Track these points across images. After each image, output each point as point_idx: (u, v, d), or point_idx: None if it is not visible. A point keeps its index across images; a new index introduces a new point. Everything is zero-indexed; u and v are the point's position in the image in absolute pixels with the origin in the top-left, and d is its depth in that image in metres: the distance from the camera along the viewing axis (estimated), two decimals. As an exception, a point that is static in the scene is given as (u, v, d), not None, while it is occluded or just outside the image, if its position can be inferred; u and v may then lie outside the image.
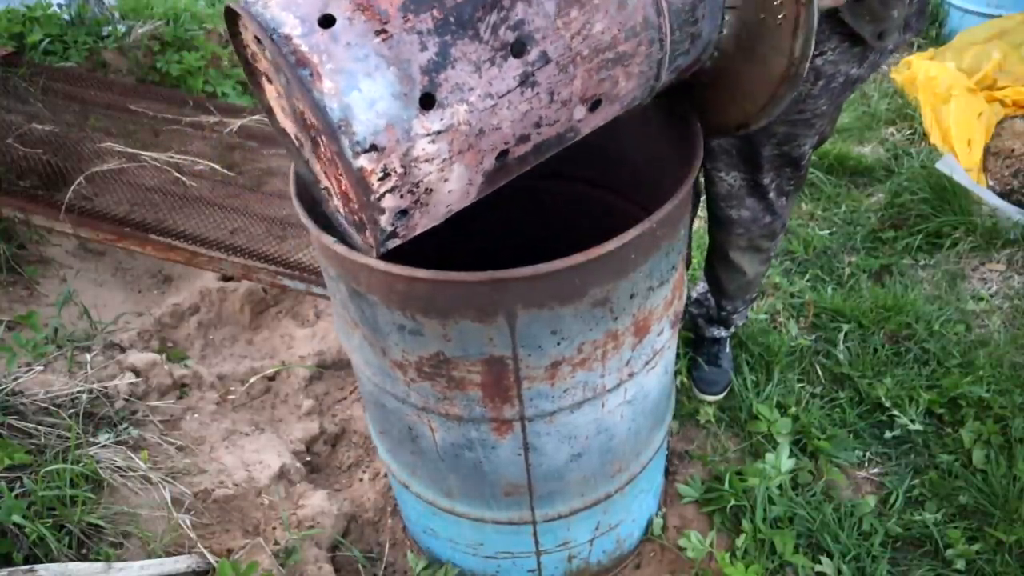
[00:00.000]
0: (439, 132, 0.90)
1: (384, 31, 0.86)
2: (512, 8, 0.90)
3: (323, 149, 0.96)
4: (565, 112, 0.99)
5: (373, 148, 0.87)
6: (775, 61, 1.08)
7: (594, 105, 1.02)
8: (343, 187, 0.97)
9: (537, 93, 0.95)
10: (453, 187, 0.96)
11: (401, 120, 0.87)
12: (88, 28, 3.42)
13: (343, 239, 1.09)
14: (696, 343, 2.18)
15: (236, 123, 2.83)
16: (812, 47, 1.03)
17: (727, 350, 2.16)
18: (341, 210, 1.06)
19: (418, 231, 1.01)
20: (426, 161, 0.91)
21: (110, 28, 3.45)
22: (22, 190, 2.40)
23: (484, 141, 0.94)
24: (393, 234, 0.97)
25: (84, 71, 3.23)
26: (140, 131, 2.75)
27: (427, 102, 0.89)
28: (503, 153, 0.98)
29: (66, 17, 3.45)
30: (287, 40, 0.85)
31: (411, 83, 0.87)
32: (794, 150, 1.60)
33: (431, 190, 0.95)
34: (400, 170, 0.90)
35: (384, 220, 0.94)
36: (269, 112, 1.11)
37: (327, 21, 0.87)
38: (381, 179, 0.89)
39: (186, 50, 3.48)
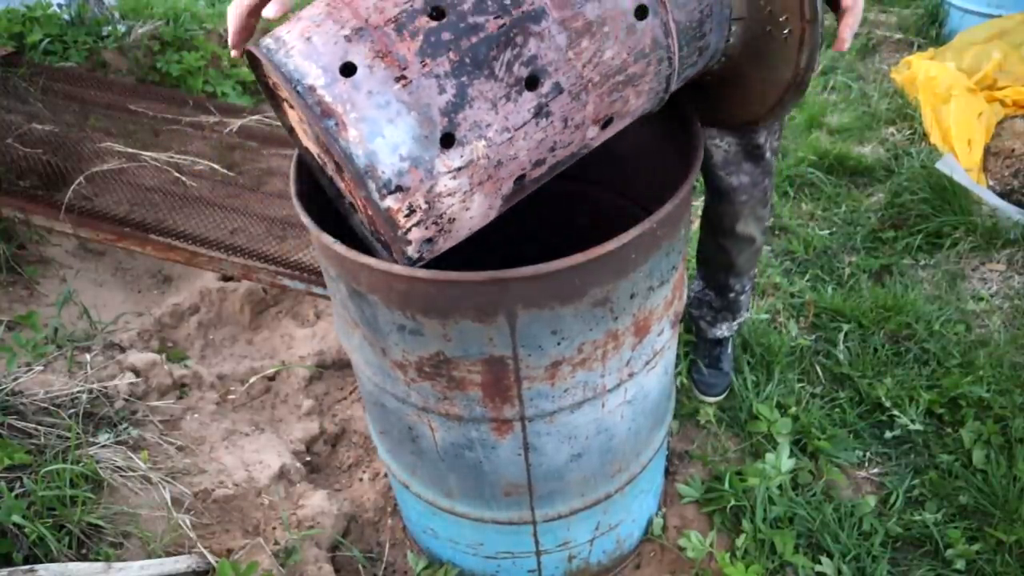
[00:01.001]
0: (460, 168, 0.93)
1: (404, 77, 0.89)
2: (525, 44, 0.92)
3: (347, 177, 0.98)
4: (579, 134, 1.02)
5: (399, 189, 0.91)
6: (782, 68, 1.09)
7: (606, 124, 1.05)
8: (370, 213, 1.00)
9: (552, 122, 0.97)
10: (474, 214, 1.00)
11: (423, 161, 0.91)
12: (88, 28, 3.41)
13: (349, 241, 1.09)
14: (697, 345, 2.18)
15: (236, 123, 2.83)
16: (817, 60, 1.04)
17: (728, 351, 2.16)
18: (367, 225, 1.08)
19: (441, 252, 1.06)
20: (448, 195, 0.95)
21: (110, 28, 3.45)
22: (22, 190, 2.40)
23: (502, 171, 0.97)
24: (420, 259, 1.02)
25: (84, 71, 3.23)
26: (140, 131, 2.75)
27: (447, 141, 0.92)
28: (520, 178, 1.01)
29: (66, 17, 3.45)
30: (311, 91, 0.88)
31: (431, 125, 0.90)
32: None
33: (454, 219, 0.99)
34: (424, 206, 0.94)
35: (411, 250, 0.99)
36: (291, 132, 1.13)
37: (348, 69, 0.89)
38: (407, 216, 0.94)
39: (186, 50, 3.48)
